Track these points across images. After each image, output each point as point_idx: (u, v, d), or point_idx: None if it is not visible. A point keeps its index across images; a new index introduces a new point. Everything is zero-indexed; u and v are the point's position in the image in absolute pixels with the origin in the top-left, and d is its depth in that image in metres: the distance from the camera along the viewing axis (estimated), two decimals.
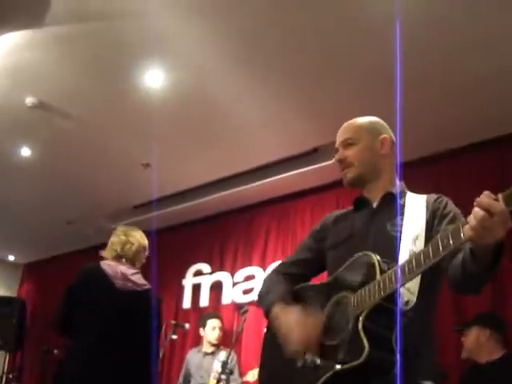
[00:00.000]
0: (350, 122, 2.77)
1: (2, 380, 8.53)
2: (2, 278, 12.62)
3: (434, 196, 2.56)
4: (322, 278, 2.70)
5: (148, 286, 4.63)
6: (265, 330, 2.82)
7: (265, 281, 2.90)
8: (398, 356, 2.12)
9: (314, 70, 5.37)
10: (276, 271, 2.90)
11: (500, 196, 1.84)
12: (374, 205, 2.65)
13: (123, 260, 4.69)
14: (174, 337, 6.82)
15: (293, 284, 2.76)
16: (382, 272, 2.20)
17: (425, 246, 2.22)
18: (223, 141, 6.71)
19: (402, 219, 2.49)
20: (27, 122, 6.62)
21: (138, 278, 4.61)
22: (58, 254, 11.63)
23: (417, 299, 2.27)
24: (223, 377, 5.88)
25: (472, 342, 5.03)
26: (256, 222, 8.17)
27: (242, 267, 8.00)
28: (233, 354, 6.57)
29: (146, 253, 4.92)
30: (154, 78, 5.67)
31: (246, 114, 6.15)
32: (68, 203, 8.87)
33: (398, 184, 2.70)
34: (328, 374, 2.17)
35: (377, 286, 2.17)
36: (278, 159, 7.10)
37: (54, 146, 7.22)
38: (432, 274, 2.27)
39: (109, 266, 4.55)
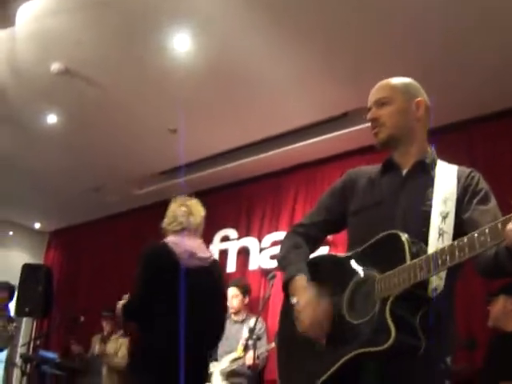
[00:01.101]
0: (385, 81, 2.68)
1: (29, 346, 8.59)
2: (28, 246, 12.69)
3: (466, 170, 2.50)
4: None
5: (212, 258, 4.67)
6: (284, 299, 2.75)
7: (284, 242, 2.79)
8: (424, 340, 2.11)
9: (347, 34, 5.31)
10: (295, 232, 2.80)
11: None
12: (404, 172, 2.58)
13: (186, 232, 4.60)
14: None
15: (311, 246, 2.73)
16: (412, 256, 2.13)
17: (454, 224, 2.28)
18: (251, 106, 6.67)
19: (432, 192, 2.43)
20: (53, 89, 6.62)
21: (203, 251, 4.57)
22: (84, 221, 11.68)
23: (444, 284, 2.24)
24: (250, 343, 5.85)
25: (498, 311, 5.00)
26: (284, 187, 8.13)
27: (269, 232, 7.97)
28: (261, 320, 6.55)
29: None
30: (180, 43, 5.63)
31: (274, 78, 6.10)
32: (94, 170, 8.90)
33: (430, 151, 2.63)
34: (350, 355, 2.17)
35: (407, 273, 2.11)
36: (307, 124, 7.06)
37: (81, 113, 7.22)
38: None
39: (175, 244, 4.44)
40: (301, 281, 2.47)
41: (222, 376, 6.48)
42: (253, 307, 7.14)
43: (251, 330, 5.85)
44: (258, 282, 7.86)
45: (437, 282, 2.21)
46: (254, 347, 5.75)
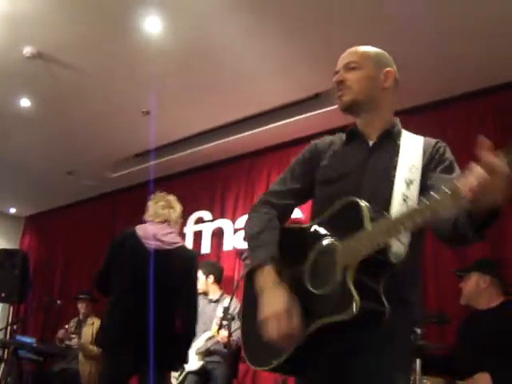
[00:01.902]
0: (356, 47, 2.65)
1: (6, 331, 8.58)
2: (3, 231, 12.66)
3: (432, 141, 2.52)
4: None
5: (179, 244, 4.82)
6: (244, 277, 2.71)
7: (255, 214, 2.68)
8: (388, 306, 2.10)
9: (318, 15, 5.32)
10: (264, 202, 2.70)
11: (502, 155, 1.79)
12: (371, 142, 2.57)
13: (166, 223, 4.87)
14: None
15: (282, 216, 2.65)
16: (372, 222, 2.13)
17: (419, 191, 2.28)
18: (223, 87, 6.68)
19: (397, 161, 2.43)
20: (26, 73, 6.59)
21: (171, 238, 4.76)
22: (60, 205, 11.68)
23: (407, 251, 2.23)
24: (225, 323, 5.90)
25: (471, 288, 5.01)
26: (257, 168, 8.17)
27: (242, 214, 7.98)
28: (235, 300, 6.60)
29: None
30: (152, 25, 5.63)
31: (245, 60, 6.14)
32: (68, 154, 8.88)
33: (396, 122, 2.63)
34: (315, 326, 2.14)
35: (366, 239, 2.10)
36: (279, 105, 7.09)
37: (53, 96, 7.19)
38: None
39: (141, 228, 4.76)
40: (269, 275, 2.36)
41: (197, 355, 6.53)
42: (228, 287, 7.19)
43: (226, 310, 5.90)
44: (232, 262, 7.92)
45: (398, 247, 2.19)
46: (229, 326, 5.81)
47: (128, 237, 4.71)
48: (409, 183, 2.34)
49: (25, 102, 7.33)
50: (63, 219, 11.50)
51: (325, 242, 2.31)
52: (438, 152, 2.45)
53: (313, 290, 2.24)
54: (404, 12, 5.06)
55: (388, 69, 2.59)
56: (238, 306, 6.62)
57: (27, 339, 8.44)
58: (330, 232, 2.31)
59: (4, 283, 7.99)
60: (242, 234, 7.83)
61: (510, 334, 4.50)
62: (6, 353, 7.73)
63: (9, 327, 8.60)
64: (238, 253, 7.68)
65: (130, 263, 4.58)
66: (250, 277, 2.55)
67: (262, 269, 2.38)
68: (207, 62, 6.20)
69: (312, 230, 2.43)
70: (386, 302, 2.10)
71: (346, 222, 2.23)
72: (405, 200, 2.28)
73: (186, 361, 5.61)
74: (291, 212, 2.76)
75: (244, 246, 7.59)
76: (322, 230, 2.36)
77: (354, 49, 2.65)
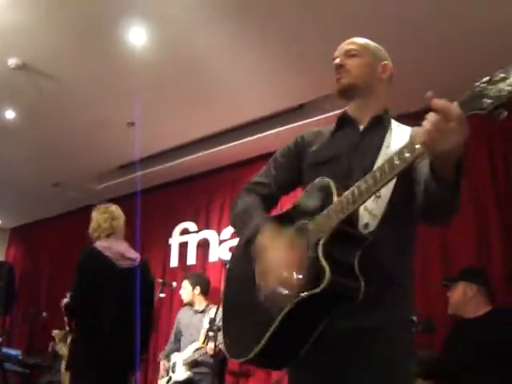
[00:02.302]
0: (356, 38, 2.75)
1: None
2: None
3: (420, 129, 2.53)
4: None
5: (138, 257, 4.90)
6: (228, 265, 2.79)
7: (238, 201, 2.75)
8: (363, 282, 2.09)
9: (301, 26, 5.34)
10: (247, 190, 2.79)
11: (456, 102, 1.80)
12: (361, 127, 2.62)
13: (112, 237, 4.91)
14: (162, 295, 6.92)
15: (266, 204, 2.69)
16: (339, 195, 2.16)
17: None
18: (208, 99, 6.69)
19: (390, 142, 2.47)
20: (10, 84, 6.58)
21: (132, 253, 4.87)
22: (45, 217, 11.65)
23: (379, 224, 2.24)
24: (211, 334, 5.93)
25: (459, 298, 5.02)
26: (241, 179, 8.14)
27: (228, 225, 7.97)
28: (221, 311, 6.62)
29: None
30: (137, 36, 5.63)
31: (230, 71, 6.15)
32: (53, 165, 8.85)
33: (387, 110, 2.68)
34: (290, 306, 2.10)
35: (333, 211, 2.14)
36: (264, 116, 7.11)
37: (39, 108, 7.17)
38: (403, 203, 2.29)
39: (106, 248, 4.77)
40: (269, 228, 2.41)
41: (184, 366, 6.54)
42: (214, 298, 7.20)
43: (212, 321, 5.93)
44: (218, 273, 7.89)
45: (368, 219, 2.24)
46: (215, 338, 5.83)
47: (94, 258, 4.71)
48: None
49: (9, 114, 7.31)
50: (49, 231, 11.47)
51: (297, 224, 2.34)
52: None
53: (287, 273, 2.23)
54: (394, 19, 5.11)
55: (386, 62, 2.69)
56: None
57: (13, 351, 8.41)
58: (303, 214, 2.32)
59: None
60: (227, 244, 7.86)
61: (497, 342, 4.51)
62: None
63: None
64: (224, 264, 7.68)
65: (108, 286, 4.59)
66: (238, 257, 2.66)
67: (261, 230, 2.41)
68: (191, 74, 6.21)
69: (286, 215, 2.47)
70: (361, 278, 2.09)
71: (316, 202, 2.26)
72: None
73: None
74: (275, 202, 2.81)
75: (229, 256, 7.62)
76: (296, 214, 2.39)
77: (354, 39, 2.74)
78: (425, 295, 5.85)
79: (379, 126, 2.58)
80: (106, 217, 4.97)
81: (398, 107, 5.75)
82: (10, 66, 6.10)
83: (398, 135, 2.50)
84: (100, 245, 4.79)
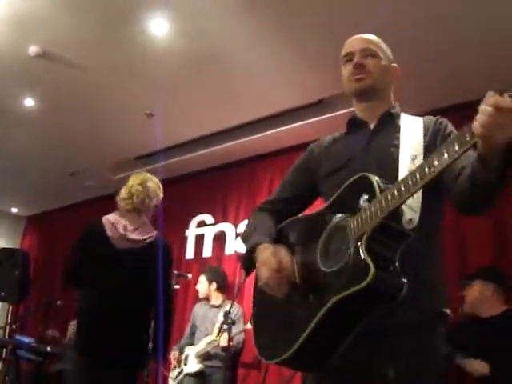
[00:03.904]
0: (368, 36, 2.72)
1: (5, 331, 8.57)
2: (4, 231, 12.66)
3: (432, 118, 2.54)
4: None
5: (150, 240, 4.58)
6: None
7: (249, 220, 2.82)
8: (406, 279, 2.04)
9: (324, 19, 5.32)
10: (261, 209, 2.82)
11: (506, 95, 1.78)
12: (372, 125, 2.62)
13: (134, 213, 4.65)
14: (177, 286, 6.90)
15: (280, 219, 2.68)
16: (382, 191, 2.08)
17: None
18: (227, 91, 6.68)
19: (399, 139, 2.45)
20: (31, 72, 6.60)
21: (139, 233, 4.56)
22: (61, 206, 11.67)
23: (420, 218, 2.19)
24: (225, 327, 5.92)
25: (475, 297, 4.99)
26: (259, 173, 8.16)
27: (244, 218, 7.97)
28: (237, 305, 6.63)
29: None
30: (158, 27, 5.63)
31: (251, 64, 6.13)
32: (71, 154, 8.88)
33: (395, 105, 2.69)
34: (332, 301, 2.04)
35: (378, 205, 2.05)
36: (283, 110, 7.08)
37: (58, 96, 7.19)
38: (433, 194, 2.24)
39: (111, 224, 4.55)
40: (262, 247, 2.41)
41: (197, 358, 6.55)
42: (229, 291, 7.20)
43: (226, 314, 5.92)
44: (233, 266, 7.88)
45: (411, 214, 2.17)
46: (229, 330, 5.83)
47: (94, 232, 4.57)
48: (413, 158, 2.33)
49: (29, 102, 7.33)
50: (65, 219, 11.47)
51: (336, 220, 2.27)
52: (441, 127, 2.46)
53: (325, 270, 2.20)
54: (418, 16, 5.10)
55: (395, 65, 2.72)
56: (240, 311, 6.66)
57: (26, 339, 8.42)
58: (341, 210, 2.26)
59: (4, 282, 7.99)
60: None
61: None
62: (4, 352, 7.73)
63: (8, 327, 8.60)
64: (240, 257, 7.66)
65: (98, 262, 4.43)
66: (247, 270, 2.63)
67: (257, 249, 2.43)
68: (211, 66, 6.20)
69: (322, 213, 2.41)
70: (404, 275, 2.04)
71: (356, 197, 2.17)
72: None
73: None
74: (285, 217, 2.74)
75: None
76: (333, 211, 2.32)
77: (368, 36, 2.71)
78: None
79: (388, 123, 2.58)
80: (140, 191, 4.66)
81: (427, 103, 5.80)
82: (30, 55, 6.12)
83: (410, 128, 2.49)
84: (109, 219, 4.60)
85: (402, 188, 2.00)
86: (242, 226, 7.95)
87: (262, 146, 7.90)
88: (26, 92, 7.16)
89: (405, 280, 2.02)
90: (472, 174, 2.02)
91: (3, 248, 8.61)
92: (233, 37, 5.71)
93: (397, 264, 2.05)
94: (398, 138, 2.46)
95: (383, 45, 2.71)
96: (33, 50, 6.07)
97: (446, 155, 1.88)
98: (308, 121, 6.96)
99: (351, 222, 2.14)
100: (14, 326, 8.32)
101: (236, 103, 6.94)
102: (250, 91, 6.63)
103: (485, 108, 1.78)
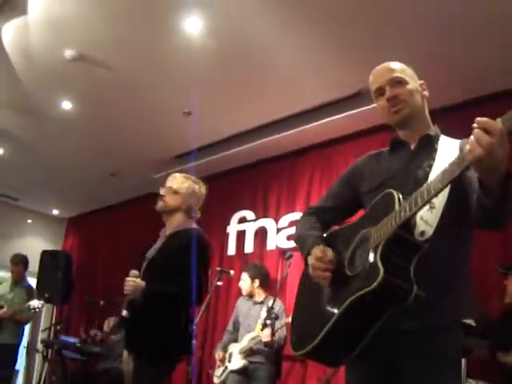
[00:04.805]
0: (390, 63, 2.74)
1: (50, 331, 8.67)
2: (46, 233, 12.81)
3: (467, 140, 2.54)
4: None
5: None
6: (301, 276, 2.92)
7: (299, 223, 3.01)
8: (416, 286, 2.18)
9: (360, 12, 5.27)
10: (308, 213, 3.01)
11: (498, 119, 1.89)
12: (412, 146, 2.68)
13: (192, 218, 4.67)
14: (219, 283, 6.90)
15: (323, 227, 2.89)
16: (400, 205, 2.26)
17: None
18: (264, 87, 6.67)
19: (433, 164, 2.51)
20: (67, 75, 6.67)
21: None
22: (102, 206, 11.78)
23: (434, 233, 2.32)
24: (268, 322, 5.93)
25: None
26: (299, 167, 8.14)
27: (285, 213, 8.00)
28: (279, 301, 6.63)
29: None
30: (192, 26, 5.64)
31: (287, 58, 6.09)
32: (110, 155, 8.97)
33: (434, 128, 2.73)
34: (349, 300, 2.25)
35: (393, 218, 2.25)
36: (320, 104, 7.03)
37: (95, 98, 7.26)
38: (457, 213, 2.37)
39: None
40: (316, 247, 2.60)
41: (240, 354, 6.56)
42: (271, 287, 7.22)
43: (269, 309, 5.93)
44: (275, 262, 7.90)
45: (424, 227, 2.34)
46: (272, 325, 5.84)
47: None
48: None
49: (66, 105, 7.42)
50: (105, 220, 11.59)
51: (363, 231, 2.47)
52: None
53: (349, 274, 2.43)
54: (444, 12, 5.02)
55: (422, 81, 2.75)
56: (282, 306, 6.66)
57: (71, 339, 8.51)
58: (370, 223, 2.44)
59: (47, 284, 8.10)
60: (284, 233, 7.82)
61: None
62: (50, 352, 7.82)
63: (52, 327, 8.70)
64: (281, 252, 7.65)
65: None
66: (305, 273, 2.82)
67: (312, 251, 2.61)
68: (247, 62, 6.19)
69: (356, 224, 2.63)
70: (414, 282, 2.18)
71: (381, 211, 2.37)
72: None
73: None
74: (327, 226, 2.95)
75: (287, 245, 7.60)
76: (364, 223, 2.53)
77: (388, 65, 2.76)
78: (480, 283, 5.75)
79: (427, 146, 2.63)
80: (203, 196, 4.79)
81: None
82: (66, 58, 6.19)
83: (447, 150, 2.53)
84: (199, 229, 4.52)
85: (413, 201, 2.19)
86: (283, 221, 7.96)
87: (302, 140, 7.87)
88: (63, 95, 7.25)
89: (414, 286, 2.18)
90: (478, 200, 2.18)
91: (46, 250, 8.72)
92: (267, 33, 5.69)
93: (411, 271, 2.22)
94: (434, 159, 2.53)
95: (405, 67, 2.74)
96: (68, 53, 6.15)
97: (447, 175, 2.06)
98: (345, 114, 6.91)
99: (373, 232, 2.37)
100: (58, 327, 8.42)
101: (273, 99, 6.93)
102: (286, 86, 6.60)
103: (475, 132, 1.92)
